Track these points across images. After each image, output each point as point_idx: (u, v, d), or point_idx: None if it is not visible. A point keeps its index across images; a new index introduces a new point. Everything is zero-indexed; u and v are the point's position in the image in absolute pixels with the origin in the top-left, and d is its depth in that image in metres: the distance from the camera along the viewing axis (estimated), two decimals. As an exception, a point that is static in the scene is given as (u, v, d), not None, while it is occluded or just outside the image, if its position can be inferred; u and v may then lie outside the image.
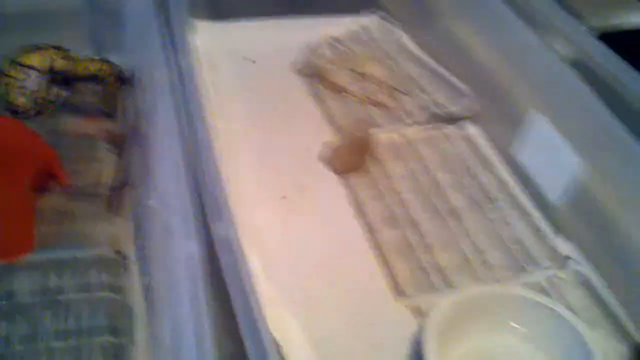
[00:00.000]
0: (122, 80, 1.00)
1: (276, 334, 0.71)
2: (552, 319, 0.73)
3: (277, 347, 0.70)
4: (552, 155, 0.89)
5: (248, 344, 0.57)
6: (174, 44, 0.91)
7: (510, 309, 0.75)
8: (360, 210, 0.91)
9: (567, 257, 0.86)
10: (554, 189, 0.89)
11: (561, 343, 0.72)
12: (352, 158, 0.95)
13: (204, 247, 0.60)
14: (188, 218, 0.60)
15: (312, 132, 1.02)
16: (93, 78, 1.00)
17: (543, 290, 0.82)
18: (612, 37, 0.99)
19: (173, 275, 0.58)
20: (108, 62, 1.02)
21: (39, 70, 0.95)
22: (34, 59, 0.95)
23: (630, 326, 0.78)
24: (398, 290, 0.81)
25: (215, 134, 0.78)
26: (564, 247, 0.87)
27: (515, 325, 0.75)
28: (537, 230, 0.90)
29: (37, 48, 0.97)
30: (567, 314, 0.73)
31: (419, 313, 0.78)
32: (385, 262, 0.84)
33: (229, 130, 0.96)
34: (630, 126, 0.81)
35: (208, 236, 0.62)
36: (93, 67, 1.00)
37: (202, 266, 0.57)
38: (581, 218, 0.86)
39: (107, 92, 0.99)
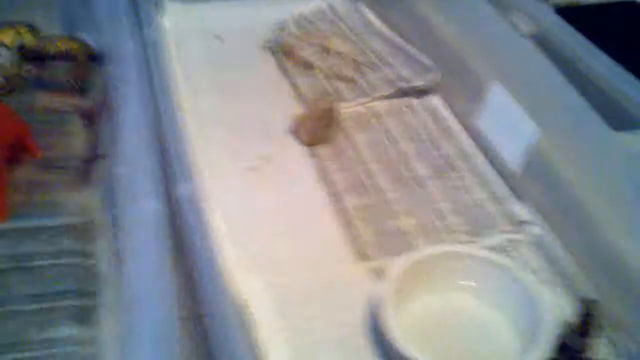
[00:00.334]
0: (92, 57, 1.02)
1: (243, 297, 0.74)
2: (502, 275, 0.76)
3: (243, 306, 0.73)
4: (511, 123, 0.92)
5: (213, 303, 0.59)
6: (142, 22, 0.93)
7: (463, 267, 0.78)
8: (326, 179, 0.93)
9: (525, 221, 0.89)
10: (513, 156, 0.92)
11: (511, 297, 0.75)
12: (318, 130, 0.98)
13: (169, 208, 0.62)
14: (152, 179, 0.63)
15: (280, 105, 1.05)
16: (64, 56, 1.02)
17: (502, 253, 0.85)
18: (569, 12, 1.02)
19: (138, 234, 0.60)
20: (78, 40, 1.03)
21: (9, 48, 0.96)
22: (5, 37, 0.97)
23: (582, 284, 0.82)
24: (361, 254, 0.84)
25: (183, 107, 0.81)
26: (522, 211, 0.90)
27: (467, 282, 0.78)
28: (496, 196, 0.93)
29: (7, 26, 0.99)
30: (517, 269, 0.76)
31: (381, 275, 0.81)
32: (349, 227, 0.87)
33: (198, 104, 0.98)
34: (584, 94, 0.85)
35: (173, 199, 0.64)
36: (63, 45, 1.02)
37: (165, 224, 0.59)
38: (538, 183, 0.90)
39: (78, 69, 1.00)
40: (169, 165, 0.68)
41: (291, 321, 0.75)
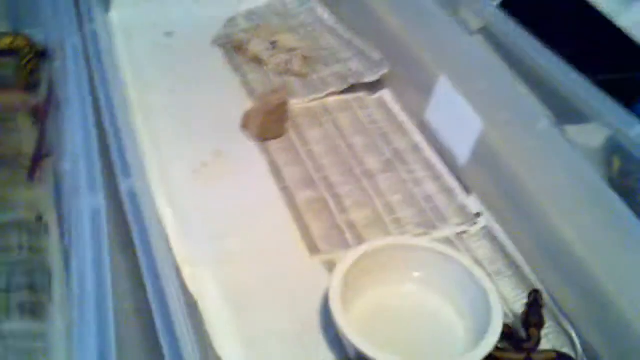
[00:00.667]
0: (39, 53, 1.01)
1: (193, 290, 0.74)
2: (451, 267, 0.77)
3: (193, 303, 0.73)
4: (457, 117, 0.93)
5: (161, 296, 0.59)
6: (88, 17, 0.92)
7: (413, 259, 0.79)
8: (277, 174, 0.94)
9: (475, 214, 0.90)
10: (460, 149, 0.94)
11: (460, 288, 0.76)
12: (269, 125, 0.98)
13: (113, 203, 0.62)
14: (94, 173, 0.62)
15: (231, 100, 1.04)
16: (10, 52, 1.00)
17: (451, 245, 0.86)
18: (511, 4, 1.03)
19: (81, 230, 0.59)
20: (25, 36, 1.02)
21: (-48, 45, 0.95)
22: (-50, 34, 0.95)
23: (531, 275, 0.83)
24: (312, 247, 0.84)
25: (130, 102, 0.80)
26: (472, 204, 0.92)
27: (418, 274, 0.79)
28: (446, 189, 0.94)
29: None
30: (466, 261, 0.78)
31: (332, 268, 0.81)
32: (300, 221, 0.87)
33: (146, 100, 0.98)
34: (531, 89, 0.86)
35: (118, 194, 0.64)
36: (9, 42, 1.00)
37: (109, 219, 0.59)
38: (486, 175, 0.91)
39: (24, 65, 0.99)
40: (114, 161, 0.67)
41: (242, 313, 0.75)
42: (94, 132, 0.68)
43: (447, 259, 0.78)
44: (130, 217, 0.62)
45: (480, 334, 0.71)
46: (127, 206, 0.63)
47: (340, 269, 0.74)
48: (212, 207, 0.87)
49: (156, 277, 0.58)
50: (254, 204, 0.89)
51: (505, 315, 0.76)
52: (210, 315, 0.73)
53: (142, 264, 0.59)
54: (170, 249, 0.75)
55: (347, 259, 0.76)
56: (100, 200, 0.62)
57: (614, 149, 0.82)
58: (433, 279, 0.78)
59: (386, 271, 0.78)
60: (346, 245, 0.85)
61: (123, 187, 0.64)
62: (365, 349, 0.67)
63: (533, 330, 0.75)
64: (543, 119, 0.82)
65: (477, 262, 0.84)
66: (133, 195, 0.64)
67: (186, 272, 0.74)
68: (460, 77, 0.94)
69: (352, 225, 0.88)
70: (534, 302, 0.77)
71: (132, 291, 0.64)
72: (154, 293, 0.57)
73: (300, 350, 0.74)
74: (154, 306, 0.56)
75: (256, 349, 0.73)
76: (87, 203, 0.61)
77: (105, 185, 0.64)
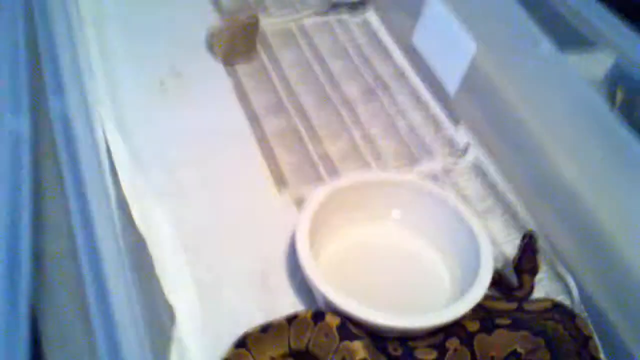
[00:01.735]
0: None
1: (141, 229, 0.65)
2: (435, 205, 0.68)
3: (141, 242, 0.64)
4: (448, 39, 0.83)
5: (87, 244, 0.49)
6: None
7: (392, 196, 0.70)
8: (245, 100, 0.84)
9: (463, 147, 0.82)
10: (450, 75, 0.84)
11: (444, 228, 0.68)
12: (238, 45, 0.88)
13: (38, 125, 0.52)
14: (19, 91, 0.52)
15: (197, 15, 0.93)
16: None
17: (437, 181, 0.78)
18: None
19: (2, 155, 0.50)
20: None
21: None
22: None
23: (525, 215, 0.75)
24: (281, 181, 0.75)
25: (80, 10, 0.70)
26: (461, 137, 0.83)
27: (397, 212, 0.70)
28: (433, 120, 0.85)
29: None
30: (452, 199, 0.69)
31: (301, 204, 0.72)
32: (269, 152, 0.78)
33: (100, 10, 0.87)
34: (531, 11, 0.76)
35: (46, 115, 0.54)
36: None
37: (32, 147, 0.49)
38: (476, 104, 0.82)
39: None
40: (45, 77, 0.57)
41: (197, 256, 0.67)
42: (22, 41, 0.58)
43: (431, 196, 0.69)
44: (58, 143, 0.53)
45: (467, 281, 0.63)
46: (56, 130, 0.53)
47: (311, 206, 0.65)
48: (167, 134, 0.77)
49: (86, 218, 0.49)
50: (216, 132, 0.79)
51: (495, 259, 0.67)
52: (161, 257, 0.65)
53: (70, 199, 0.50)
54: (116, 181, 0.66)
55: (318, 194, 0.67)
56: (25, 123, 0.52)
57: (617, 79, 0.73)
58: (414, 218, 0.69)
59: (362, 209, 0.69)
60: (319, 180, 0.76)
61: (52, 106, 0.54)
62: (335, 298, 0.58)
63: (526, 277, 0.67)
64: (543, 42, 0.72)
65: (465, 199, 0.75)
66: (64, 118, 0.54)
67: (134, 208, 0.65)
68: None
69: (326, 158, 0.79)
70: (528, 246, 0.69)
71: (66, 233, 0.55)
72: (84, 237, 0.48)
73: (263, 297, 0.65)
74: (81, 251, 0.47)
75: (212, 295, 0.65)
76: (8, 126, 0.51)
77: (33, 106, 0.55)
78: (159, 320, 0.63)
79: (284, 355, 0.60)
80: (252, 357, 0.59)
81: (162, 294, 0.62)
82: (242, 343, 0.59)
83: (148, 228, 0.65)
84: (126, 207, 0.65)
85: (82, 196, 0.50)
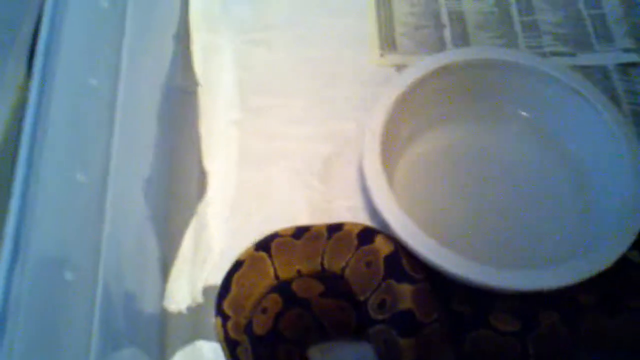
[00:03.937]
0: None
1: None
2: (574, 106, 0.48)
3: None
4: None
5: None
6: None
7: (523, 90, 0.49)
8: None
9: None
10: None
11: (583, 138, 0.48)
12: None
13: None
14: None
15: None
16: None
17: (606, 81, 0.55)
18: None
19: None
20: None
21: None
22: None
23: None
24: (387, 43, 0.57)
25: None
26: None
27: (524, 114, 0.50)
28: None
29: None
30: (600, 100, 0.47)
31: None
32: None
33: None
34: None
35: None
36: None
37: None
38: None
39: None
40: None
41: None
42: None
43: (580, 99, 0.48)
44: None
45: (605, 228, 0.43)
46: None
47: (394, 91, 0.46)
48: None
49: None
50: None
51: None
52: (212, 109, 0.50)
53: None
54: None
55: (416, 68, 0.48)
56: None
57: None
58: (547, 123, 0.49)
59: (477, 100, 0.49)
60: (440, 46, 0.56)
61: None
62: (415, 245, 0.41)
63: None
64: None
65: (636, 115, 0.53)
66: None
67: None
68: None
69: (458, 18, 0.58)
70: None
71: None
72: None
73: (318, 188, 0.50)
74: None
75: (255, 168, 0.51)
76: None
77: None
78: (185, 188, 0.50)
79: (314, 273, 0.44)
80: (272, 264, 0.44)
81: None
82: (264, 245, 0.45)
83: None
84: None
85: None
